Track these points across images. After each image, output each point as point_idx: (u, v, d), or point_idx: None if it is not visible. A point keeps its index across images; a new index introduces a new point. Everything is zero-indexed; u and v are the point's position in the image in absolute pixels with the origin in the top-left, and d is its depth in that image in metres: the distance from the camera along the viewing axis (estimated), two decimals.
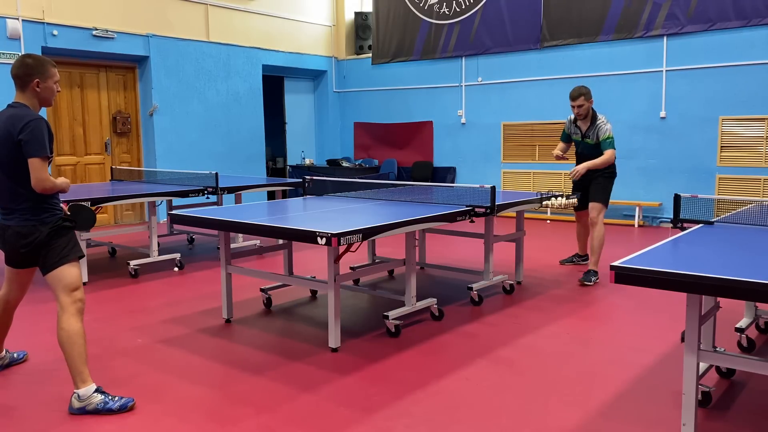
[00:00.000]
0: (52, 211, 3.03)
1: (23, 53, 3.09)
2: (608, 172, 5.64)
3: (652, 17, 8.39)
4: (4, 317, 3.38)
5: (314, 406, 3.04)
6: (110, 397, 2.97)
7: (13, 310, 3.41)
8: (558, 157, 5.88)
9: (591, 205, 5.60)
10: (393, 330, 4.07)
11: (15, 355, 3.59)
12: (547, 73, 9.45)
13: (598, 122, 5.57)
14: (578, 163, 5.80)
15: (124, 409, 2.95)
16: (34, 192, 2.94)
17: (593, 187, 5.62)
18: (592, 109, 5.63)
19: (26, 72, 2.96)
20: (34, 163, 2.88)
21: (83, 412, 2.92)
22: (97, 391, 2.97)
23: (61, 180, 3.06)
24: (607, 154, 5.50)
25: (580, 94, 5.52)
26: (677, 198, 3.61)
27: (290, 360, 3.66)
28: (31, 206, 2.98)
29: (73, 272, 3.03)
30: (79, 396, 2.93)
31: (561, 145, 5.97)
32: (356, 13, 11.85)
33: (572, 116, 5.75)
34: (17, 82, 2.99)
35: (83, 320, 3.03)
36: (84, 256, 3.07)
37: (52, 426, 2.85)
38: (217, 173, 6.21)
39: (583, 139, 5.69)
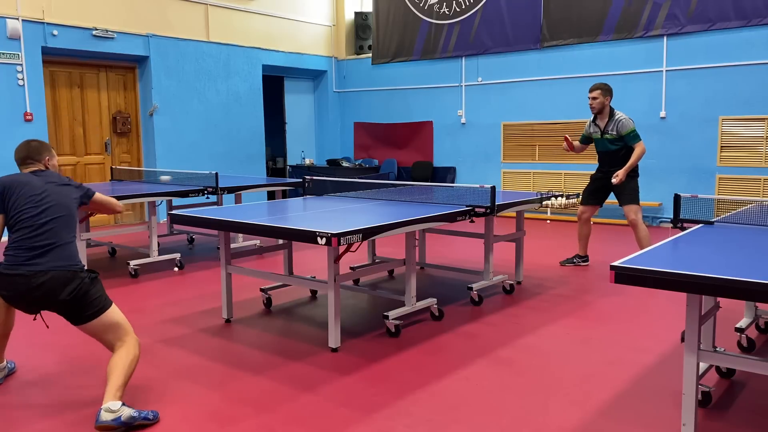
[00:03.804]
0: (80, 261, 3.04)
1: (24, 140, 3.35)
2: (633, 172, 5.76)
3: (652, 17, 8.39)
4: (5, 319, 3.28)
5: (314, 406, 3.04)
6: (138, 411, 2.85)
7: (13, 313, 3.33)
8: (567, 148, 5.99)
9: (626, 208, 5.73)
10: (393, 330, 4.07)
11: (10, 365, 3.50)
12: (547, 73, 9.44)
13: (616, 117, 5.69)
14: (600, 162, 5.96)
15: (157, 418, 2.88)
16: (72, 238, 3.05)
17: (623, 191, 5.73)
18: (611, 107, 5.76)
19: (37, 151, 3.25)
20: (101, 196, 3.42)
21: (118, 422, 2.75)
22: (123, 405, 2.83)
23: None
24: (638, 148, 5.65)
25: (598, 87, 5.73)
26: (677, 198, 3.61)
27: (290, 360, 3.66)
28: (71, 250, 3.00)
29: (116, 315, 3.03)
30: (110, 408, 2.78)
31: (578, 144, 6.10)
32: (356, 13, 11.85)
33: (591, 117, 5.90)
34: (29, 162, 3.23)
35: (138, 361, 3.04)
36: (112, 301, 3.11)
37: (52, 427, 2.86)
38: (217, 173, 6.21)
39: (603, 135, 5.78)
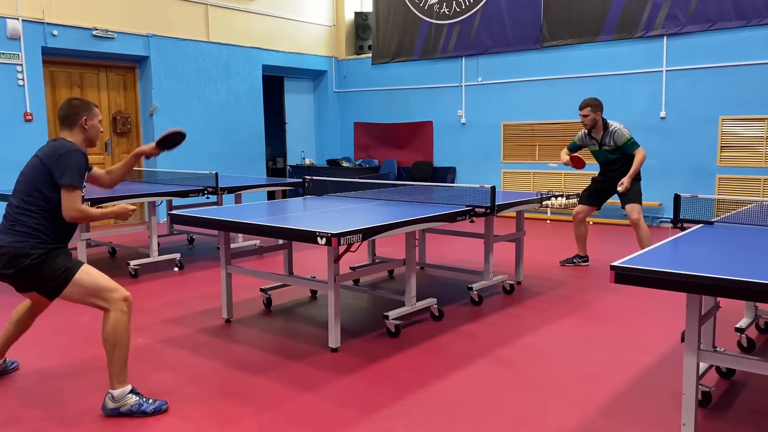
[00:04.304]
0: (47, 242, 2.91)
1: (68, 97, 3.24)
2: (636, 176, 5.78)
3: (652, 17, 8.39)
4: (23, 322, 3.32)
5: (314, 406, 3.04)
6: (144, 399, 2.93)
7: (34, 317, 3.34)
8: (567, 163, 5.99)
9: (629, 207, 5.75)
10: (393, 330, 4.07)
11: (11, 364, 3.50)
12: (547, 73, 9.44)
13: (611, 128, 5.72)
14: (602, 172, 6.01)
15: (158, 412, 2.92)
16: (39, 216, 2.91)
17: (626, 191, 5.73)
18: (603, 118, 5.78)
19: (75, 111, 3.13)
20: (63, 193, 2.93)
21: (117, 413, 2.87)
22: (132, 392, 2.92)
23: (101, 211, 3.10)
24: (638, 154, 5.69)
25: (588, 104, 5.74)
26: (677, 198, 3.61)
27: (290, 360, 3.66)
28: (30, 228, 2.89)
29: (85, 279, 2.93)
30: (113, 396, 2.88)
31: (566, 151, 6.09)
32: (356, 13, 11.85)
33: (585, 130, 5.90)
34: (66, 122, 3.13)
35: (130, 320, 2.98)
36: (83, 263, 3.01)
37: (53, 427, 2.86)
38: (217, 173, 6.21)
39: (601, 147, 5.82)
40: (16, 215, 2.92)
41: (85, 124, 3.14)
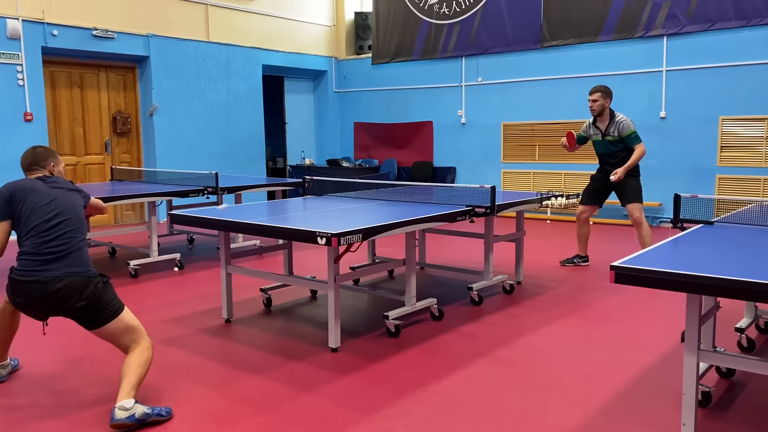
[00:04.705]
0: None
1: (31, 146, 3.40)
2: (634, 172, 5.80)
3: (652, 17, 8.39)
4: (11, 321, 3.32)
5: (314, 406, 3.04)
6: (152, 408, 2.88)
7: (19, 316, 3.33)
8: (566, 144, 6.00)
9: (630, 206, 5.76)
10: (393, 330, 4.07)
11: (14, 362, 3.52)
12: (547, 73, 9.44)
13: (617, 119, 5.74)
14: (601, 163, 6.00)
15: (170, 414, 2.90)
16: (84, 243, 3.06)
17: (625, 189, 5.76)
18: (611, 108, 5.79)
19: (42, 157, 3.25)
20: (97, 200, 3.61)
21: (132, 419, 2.77)
22: (136, 403, 2.85)
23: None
24: (638, 149, 5.70)
25: (598, 90, 5.77)
26: (677, 198, 3.61)
27: (290, 360, 3.66)
28: (84, 255, 3.02)
29: (129, 317, 3.05)
30: (123, 406, 2.78)
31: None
32: (356, 13, 11.85)
33: (590, 119, 5.91)
34: (34, 168, 3.23)
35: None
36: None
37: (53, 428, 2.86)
38: (217, 173, 6.21)
39: (604, 137, 5.81)
40: (66, 246, 2.96)
41: (53, 170, 3.27)
